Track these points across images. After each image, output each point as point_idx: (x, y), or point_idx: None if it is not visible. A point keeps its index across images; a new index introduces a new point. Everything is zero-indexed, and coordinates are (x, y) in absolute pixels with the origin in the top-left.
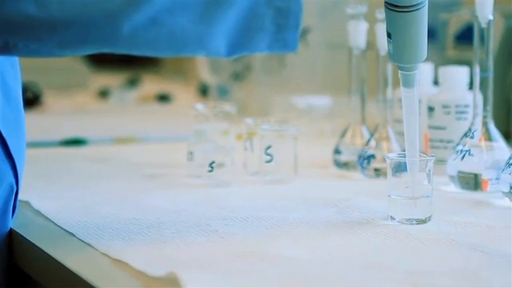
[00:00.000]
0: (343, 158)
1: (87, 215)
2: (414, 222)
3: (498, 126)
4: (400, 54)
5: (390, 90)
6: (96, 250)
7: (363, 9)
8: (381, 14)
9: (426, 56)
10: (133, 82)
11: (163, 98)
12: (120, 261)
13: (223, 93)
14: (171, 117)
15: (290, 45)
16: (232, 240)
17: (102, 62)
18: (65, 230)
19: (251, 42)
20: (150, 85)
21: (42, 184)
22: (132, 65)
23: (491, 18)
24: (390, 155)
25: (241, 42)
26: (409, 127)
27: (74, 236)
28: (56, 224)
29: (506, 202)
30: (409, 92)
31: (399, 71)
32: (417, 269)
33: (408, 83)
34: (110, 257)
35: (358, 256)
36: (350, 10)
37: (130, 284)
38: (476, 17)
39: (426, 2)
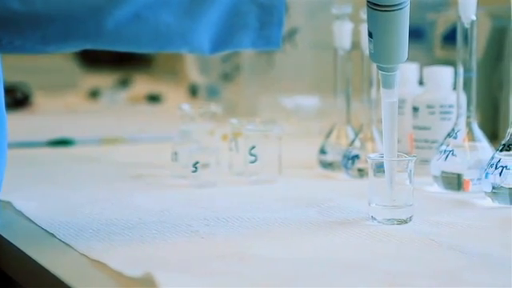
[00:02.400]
0: (328, 158)
1: (69, 216)
2: (395, 223)
3: (485, 126)
4: (380, 54)
5: (374, 91)
6: (75, 250)
7: (348, 9)
8: (366, 14)
9: (406, 57)
10: (124, 83)
11: (153, 98)
12: (99, 261)
13: (213, 93)
14: (161, 117)
15: (274, 41)
16: (212, 240)
17: (93, 62)
18: (45, 230)
19: (235, 38)
20: (141, 85)
21: (26, 185)
22: (123, 65)
23: (474, 18)
24: (372, 155)
25: (224, 39)
26: (387, 128)
27: (55, 237)
28: (37, 224)
29: (488, 202)
30: (389, 93)
31: (379, 71)
32: (395, 269)
33: (388, 84)
34: (89, 257)
35: (337, 256)
36: (334, 11)
37: (108, 284)
38: (459, 17)
39: (408, 2)
